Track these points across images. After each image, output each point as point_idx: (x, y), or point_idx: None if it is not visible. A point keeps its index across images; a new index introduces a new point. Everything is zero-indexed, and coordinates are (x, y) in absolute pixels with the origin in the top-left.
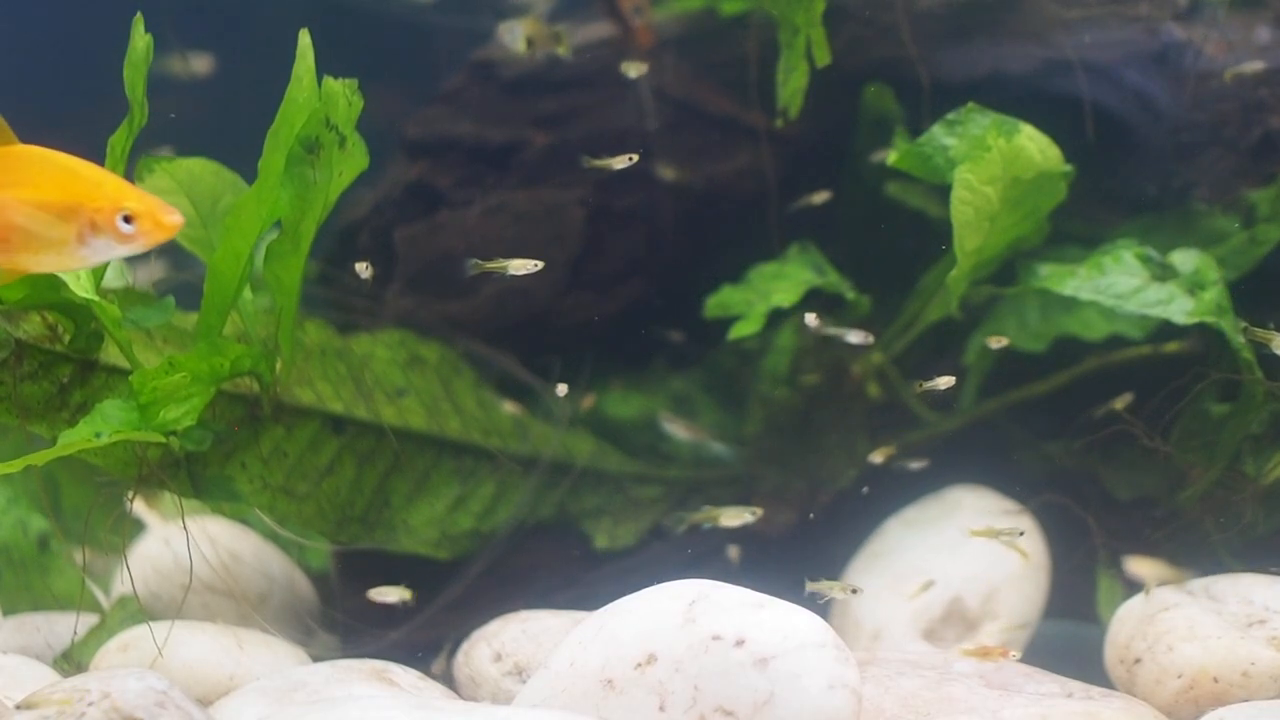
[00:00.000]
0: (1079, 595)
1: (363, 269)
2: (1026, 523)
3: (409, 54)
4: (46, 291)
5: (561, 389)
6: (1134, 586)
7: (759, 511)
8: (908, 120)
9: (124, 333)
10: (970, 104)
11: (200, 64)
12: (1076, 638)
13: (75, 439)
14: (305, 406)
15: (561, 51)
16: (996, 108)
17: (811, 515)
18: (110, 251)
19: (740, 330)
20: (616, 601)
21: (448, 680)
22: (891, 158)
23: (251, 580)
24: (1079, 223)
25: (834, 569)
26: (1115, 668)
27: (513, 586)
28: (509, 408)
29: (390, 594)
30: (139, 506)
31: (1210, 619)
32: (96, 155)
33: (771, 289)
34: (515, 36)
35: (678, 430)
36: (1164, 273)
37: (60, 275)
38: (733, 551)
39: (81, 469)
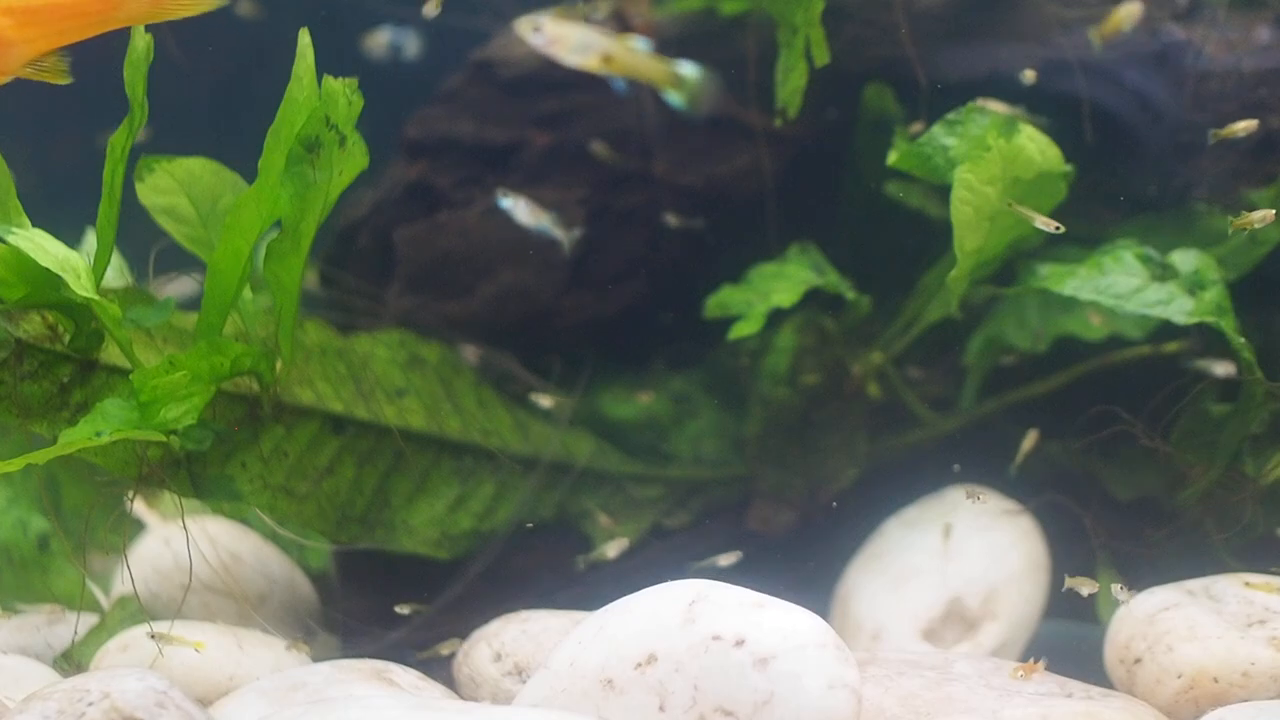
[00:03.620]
0: (1079, 595)
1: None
2: (1027, 523)
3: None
4: (47, 291)
5: (548, 400)
6: (1134, 587)
7: None
8: (908, 120)
9: (124, 332)
10: (970, 104)
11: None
12: (1076, 638)
13: (76, 438)
14: (305, 406)
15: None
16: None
17: (834, 504)
18: None
19: (740, 330)
20: (616, 601)
21: (446, 673)
22: (891, 158)
23: (251, 580)
24: (1079, 223)
25: (834, 569)
26: (1115, 668)
27: (513, 586)
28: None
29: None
30: (139, 506)
31: (1210, 619)
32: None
33: (771, 289)
34: (534, 27)
35: (519, 210)
36: (1164, 273)
37: (60, 274)
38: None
39: (82, 469)
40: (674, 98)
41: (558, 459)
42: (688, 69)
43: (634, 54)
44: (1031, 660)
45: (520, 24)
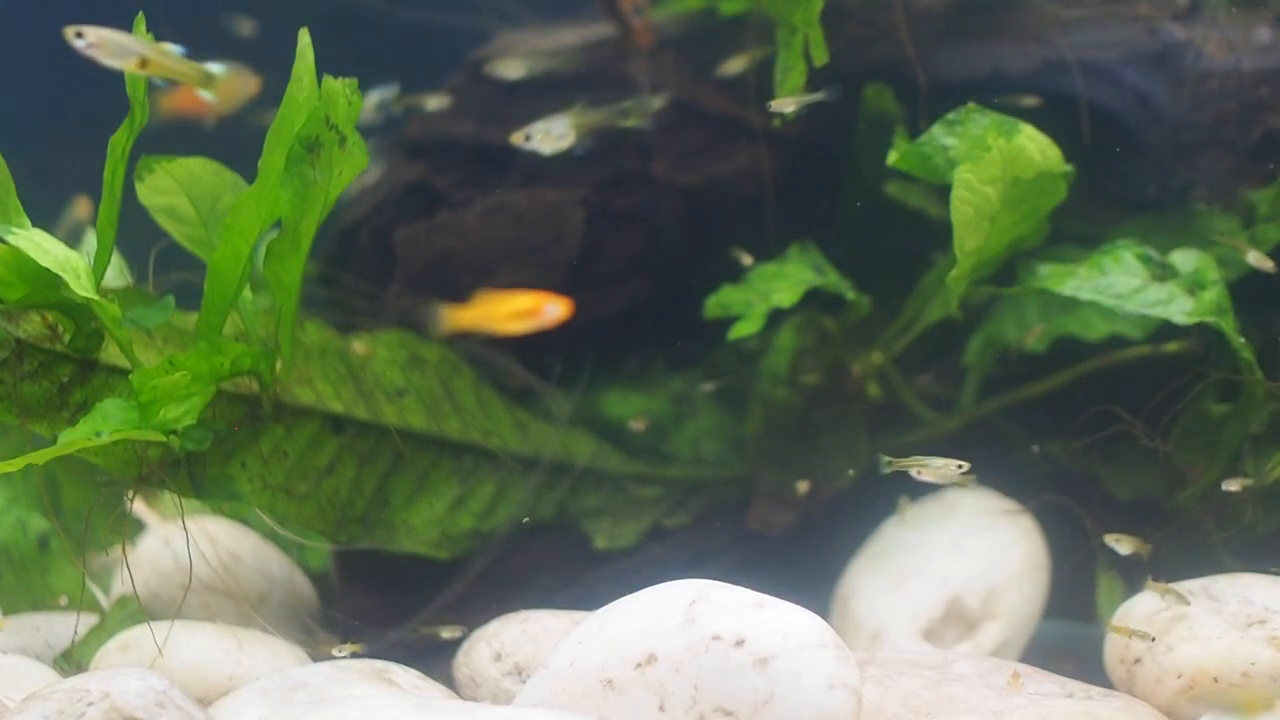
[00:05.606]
0: (1079, 595)
1: None
2: (1027, 523)
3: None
4: (46, 291)
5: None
6: (1134, 586)
7: None
8: (908, 120)
9: (124, 332)
10: (970, 104)
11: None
12: (1076, 638)
13: (75, 438)
14: (305, 406)
15: (652, 112)
16: (996, 108)
17: (850, 473)
18: None
19: (740, 330)
20: (616, 601)
21: (446, 673)
22: (891, 158)
23: (251, 580)
24: (1079, 223)
25: (834, 569)
26: (1115, 668)
27: (513, 586)
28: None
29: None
30: (139, 506)
31: (1210, 619)
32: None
33: (771, 289)
34: (556, 134)
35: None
36: (1164, 273)
37: (60, 274)
38: None
39: (82, 469)
40: (206, 94)
41: (558, 459)
42: (216, 67)
43: (167, 57)
44: (1014, 672)
45: (66, 33)
